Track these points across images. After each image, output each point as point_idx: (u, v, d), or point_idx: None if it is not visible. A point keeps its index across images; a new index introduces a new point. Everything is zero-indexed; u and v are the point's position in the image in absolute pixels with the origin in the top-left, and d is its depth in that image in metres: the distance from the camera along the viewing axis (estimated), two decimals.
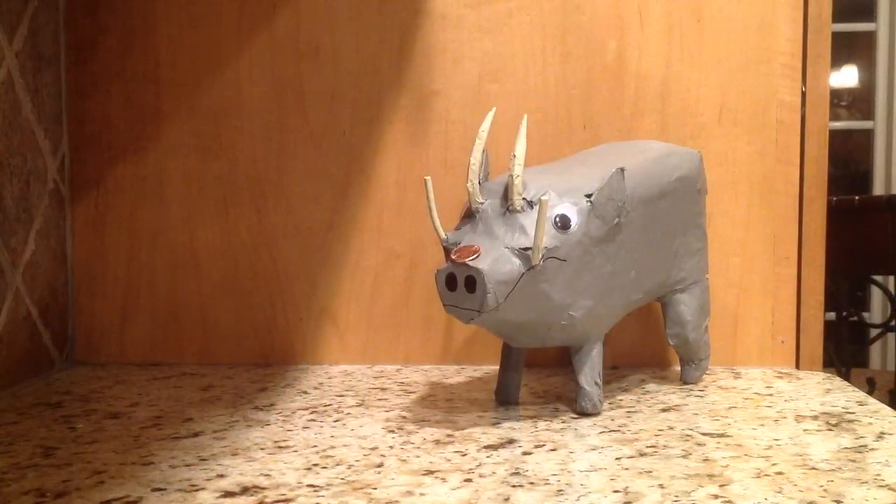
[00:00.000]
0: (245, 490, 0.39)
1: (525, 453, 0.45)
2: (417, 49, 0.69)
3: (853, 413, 0.53)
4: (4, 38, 0.61)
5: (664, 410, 0.54)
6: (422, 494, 0.38)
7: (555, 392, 0.59)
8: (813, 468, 0.42)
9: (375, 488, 0.39)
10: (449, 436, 0.48)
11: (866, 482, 0.39)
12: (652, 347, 0.68)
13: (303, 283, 0.70)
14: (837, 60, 2.46)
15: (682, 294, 0.58)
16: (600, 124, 0.68)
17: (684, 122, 0.67)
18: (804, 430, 0.49)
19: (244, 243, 0.71)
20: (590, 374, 0.52)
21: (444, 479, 0.40)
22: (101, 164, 0.71)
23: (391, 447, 0.46)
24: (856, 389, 0.60)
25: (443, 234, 0.50)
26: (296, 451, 0.45)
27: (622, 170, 0.50)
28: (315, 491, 0.39)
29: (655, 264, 0.55)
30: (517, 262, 0.46)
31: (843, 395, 0.58)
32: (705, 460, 0.43)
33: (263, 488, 0.39)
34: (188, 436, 0.49)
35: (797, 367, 0.67)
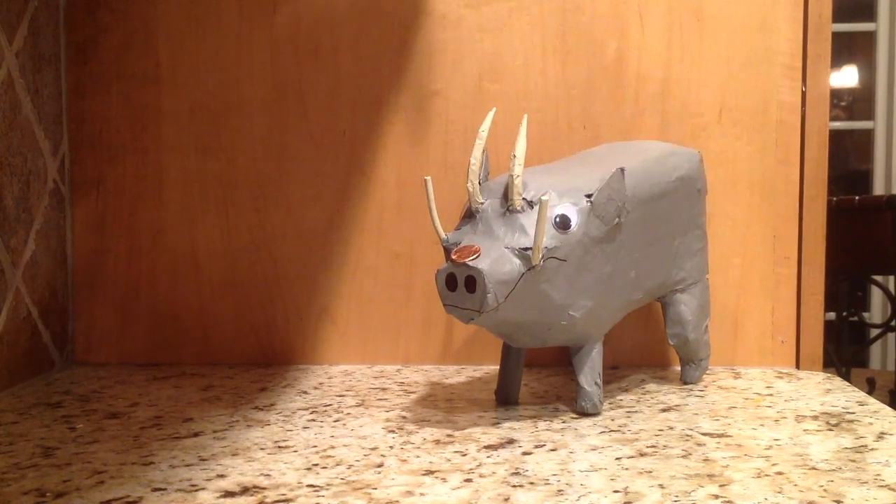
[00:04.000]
0: (245, 490, 0.39)
1: (525, 453, 0.45)
2: (417, 49, 0.69)
3: (853, 413, 0.53)
4: (4, 38, 0.61)
5: (664, 410, 0.54)
6: (422, 494, 0.38)
7: (555, 392, 0.59)
8: (813, 468, 0.42)
9: (375, 488, 0.39)
10: (449, 436, 0.48)
11: (866, 482, 0.39)
12: (652, 347, 0.68)
13: (303, 283, 0.70)
14: (837, 60, 2.46)
15: (682, 294, 0.58)
16: (600, 124, 0.68)
17: (684, 122, 0.67)
18: (804, 430, 0.49)
19: (244, 243, 0.71)
20: (590, 374, 0.52)
21: (444, 479, 0.40)
22: (101, 164, 0.71)
23: (391, 447, 0.46)
24: (856, 389, 0.60)
25: (443, 234, 0.50)
26: (296, 451, 0.45)
27: (622, 170, 0.50)
28: (315, 491, 0.39)
29: (655, 264, 0.55)
30: (517, 262, 0.46)
31: (843, 395, 0.58)
32: (705, 460, 0.43)
33: (263, 488, 0.39)
34: (188, 436, 0.49)
35: (797, 367, 0.67)
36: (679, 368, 0.63)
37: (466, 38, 0.68)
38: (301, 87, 0.69)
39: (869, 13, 2.38)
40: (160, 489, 0.39)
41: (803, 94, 0.66)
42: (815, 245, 0.67)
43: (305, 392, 0.60)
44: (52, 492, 0.39)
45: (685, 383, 0.62)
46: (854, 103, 2.49)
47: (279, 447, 0.46)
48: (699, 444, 0.46)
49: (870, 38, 2.40)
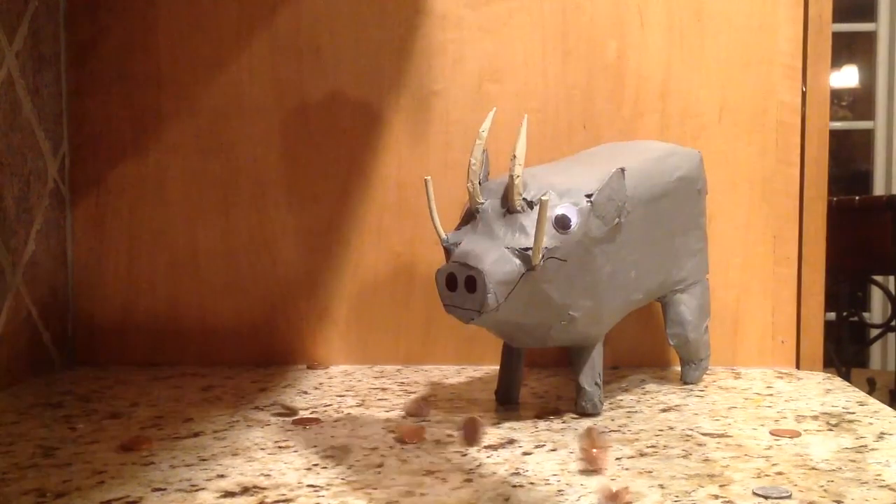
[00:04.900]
0: (245, 490, 0.39)
1: (525, 453, 0.45)
2: (417, 49, 0.69)
3: (853, 413, 0.53)
4: (4, 38, 0.61)
5: (664, 410, 0.54)
6: (422, 494, 0.38)
7: (555, 392, 0.59)
8: (813, 468, 0.42)
9: (375, 488, 0.39)
10: (449, 436, 0.48)
11: (866, 482, 0.39)
12: (652, 347, 0.68)
13: (303, 283, 0.70)
14: (837, 60, 2.46)
15: (682, 294, 0.58)
16: (600, 124, 0.68)
17: (684, 122, 0.67)
18: (804, 430, 0.49)
19: (244, 243, 0.70)
20: (590, 374, 0.52)
21: (444, 479, 0.40)
22: (101, 164, 0.71)
23: (391, 447, 0.46)
24: (856, 389, 0.60)
25: (443, 235, 0.50)
26: (296, 451, 0.45)
27: (622, 170, 0.50)
28: (315, 491, 0.39)
29: (656, 264, 0.55)
30: (517, 262, 0.46)
31: (843, 395, 0.58)
32: (705, 460, 0.43)
33: (263, 488, 0.39)
34: (188, 436, 0.49)
35: (797, 367, 0.67)
36: (679, 368, 0.63)
37: (466, 38, 0.68)
38: (301, 87, 0.69)
39: (869, 13, 2.38)
40: (160, 489, 0.39)
41: (803, 94, 0.66)
42: (815, 245, 0.67)
43: (305, 392, 0.60)
44: (52, 492, 0.39)
45: (685, 383, 0.62)
46: (854, 103, 2.49)
47: (279, 447, 0.46)
48: (699, 444, 0.46)
49: (870, 38, 2.40)
